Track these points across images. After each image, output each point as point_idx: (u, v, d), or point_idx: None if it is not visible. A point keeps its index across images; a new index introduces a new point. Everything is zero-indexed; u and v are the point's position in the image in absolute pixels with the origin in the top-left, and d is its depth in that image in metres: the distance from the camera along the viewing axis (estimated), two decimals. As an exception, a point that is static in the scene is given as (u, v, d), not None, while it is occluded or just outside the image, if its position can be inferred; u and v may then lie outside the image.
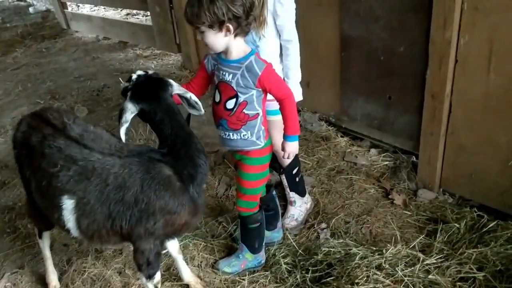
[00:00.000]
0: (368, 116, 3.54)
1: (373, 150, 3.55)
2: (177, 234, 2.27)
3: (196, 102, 2.16)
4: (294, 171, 2.86)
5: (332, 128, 3.86)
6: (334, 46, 3.56)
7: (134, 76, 2.09)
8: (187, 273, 2.52)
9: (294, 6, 2.43)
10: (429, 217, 2.87)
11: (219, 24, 2.02)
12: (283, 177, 2.89)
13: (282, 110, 2.25)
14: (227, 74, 2.16)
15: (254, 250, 2.60)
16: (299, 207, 2.94)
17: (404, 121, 3.27)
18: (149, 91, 2.05)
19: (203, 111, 2.19)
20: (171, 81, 2.12)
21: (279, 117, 2.37)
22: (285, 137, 2.29)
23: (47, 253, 2.58)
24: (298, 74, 2.55)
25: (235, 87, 2.16)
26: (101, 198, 1.96)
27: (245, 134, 2.27)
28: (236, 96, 2.18)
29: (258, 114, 2.24)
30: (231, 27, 2.04)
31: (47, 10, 9.20)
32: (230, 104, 2.20)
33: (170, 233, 2.13)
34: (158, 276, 2.17)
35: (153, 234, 2.02)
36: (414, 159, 3.24)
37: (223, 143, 2.38)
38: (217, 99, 2.25)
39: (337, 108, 3.79)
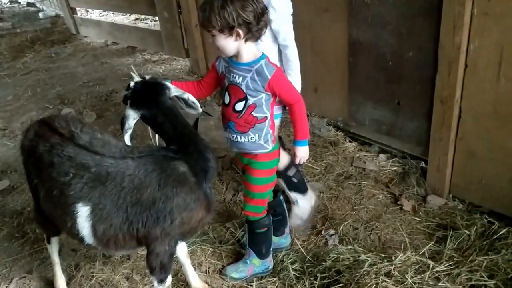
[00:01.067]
0: (377, 121, 3.52)
1: (381, 156, 3.53)
2: (192, 233, 2.27)
3: (193, 102, 2.21)
4: (289, 172, 2.82)
5: (341, 133, 3.85)
6: (342, 52, 3.55)
7: (131, 84, 2.14)
8: (194, 279, 2.52)
9: (290, 11, 2.39)
10: (438, 223, 2.84)
11: (229, 29, 2.04)
12: (280, 180, 2.88)
13: (291, 114, 2.25)
14: (237, 77, 2.18)
15: (261, 256, 2.59)
16: (302, 205, 2.90)
17: (413, 126, 3.25)
18: (148, 96, 2.11)
19: (200, 109, 2.24)
20: (168, 84, 2.18)
21: (277, 122, 2.37)
22: (295, 142, 2.29)
23: (55, 258, 2.58)
24: (298, 81, 2.51)
25: (244, 90, 2.17)
26: (117, 202, 1.96)
27: (253, 137, 2.27)
28: (245, 99, 2.19)
29: (266, 117, 2.24)
30: (241, 32, 2.05)
31: (57, 16, 9.28)
32: (239, 106, 2.21)
33: (186, 232, 2.13)
34: (169, 281, 2.17)
35: (169, 235, 2.02)
36: (423, 164, 3.22)
37: (231, 146, 2.38)
38: (227, 101, 2.26)
39: (345, 113, 3.78)
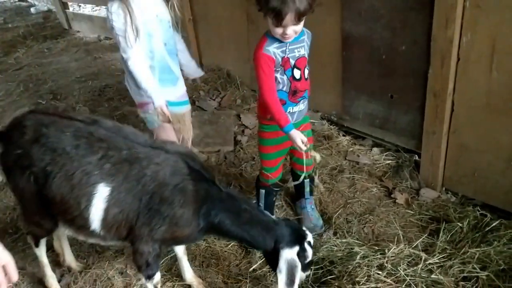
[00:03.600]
0: (370, 115, 3.52)
1: (375, 149, 3.54)
2: (173, 244, 2.33)
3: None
4: None
5: (334, 127, 3.84)
6: (336, 45, 3.55)
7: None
8: (189, 274, 2.52)
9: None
10: (431, 216, 2.85)
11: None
12: None
13: None
14: (301, 49, 2.40)
15: None
16: None
17: (406, 120, 3.26)
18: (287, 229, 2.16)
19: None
20: (293, 250, 2.12)
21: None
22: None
23: (44, 260, 2.55)
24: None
25: (307, 57, 2.45)
26: (136, 187, 1.98)
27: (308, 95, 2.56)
28: (308, 64, 2.47)
29: None
30: None
31: (49, 10, 9.20)
32: (307, 73, 2.47)
33: (167, 241, 2.13)
34: (157, 277, 2.17)
35: (153, 237, 2.03)
36: (417, 158, 3.23)
37: (297, 118, 2.53)
38: (298, 75, 2.41)
39: (339, 107, 3.78)
